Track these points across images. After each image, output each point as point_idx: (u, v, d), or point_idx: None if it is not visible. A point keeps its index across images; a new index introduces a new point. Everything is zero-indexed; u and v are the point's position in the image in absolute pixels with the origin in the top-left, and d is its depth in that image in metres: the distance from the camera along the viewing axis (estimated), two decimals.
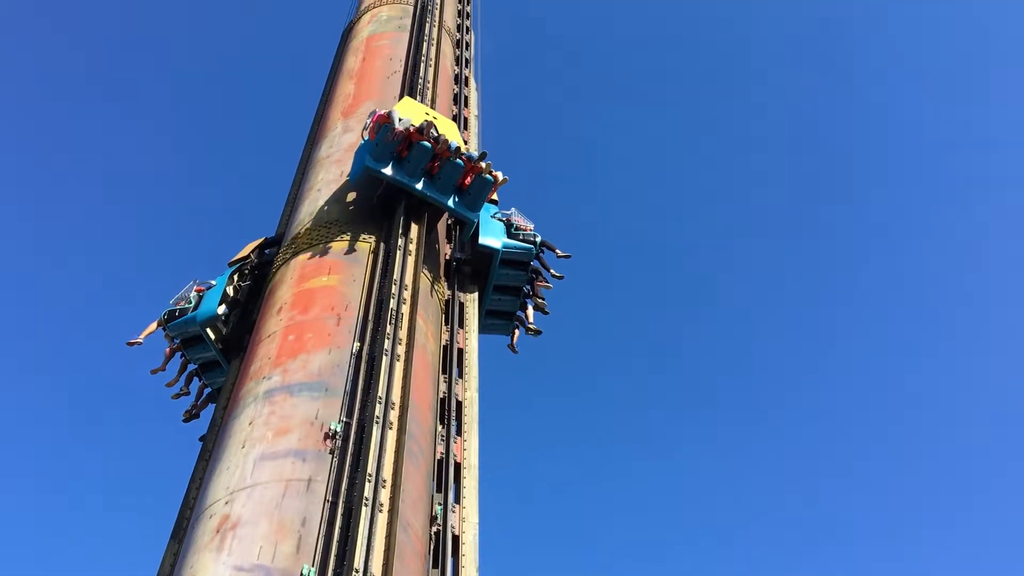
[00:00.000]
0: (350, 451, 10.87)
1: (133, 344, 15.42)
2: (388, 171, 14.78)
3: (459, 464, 13.16)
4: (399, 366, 12.10)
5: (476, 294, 16.36)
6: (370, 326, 12.78)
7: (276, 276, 14.93)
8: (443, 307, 15.51)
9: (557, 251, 16.90)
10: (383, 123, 14.88)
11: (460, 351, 15.09)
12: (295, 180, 18.57)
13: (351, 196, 15.64)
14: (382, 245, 14.39)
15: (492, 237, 16.27)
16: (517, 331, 17.20)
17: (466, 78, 21.83)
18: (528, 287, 16.87)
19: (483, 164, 15.40)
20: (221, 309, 15.08)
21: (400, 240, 14.20)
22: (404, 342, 12.50)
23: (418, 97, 17.77)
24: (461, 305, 16.01)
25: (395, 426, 11.20)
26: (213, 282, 15.63)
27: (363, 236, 14.81)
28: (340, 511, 10.10)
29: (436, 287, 15.27)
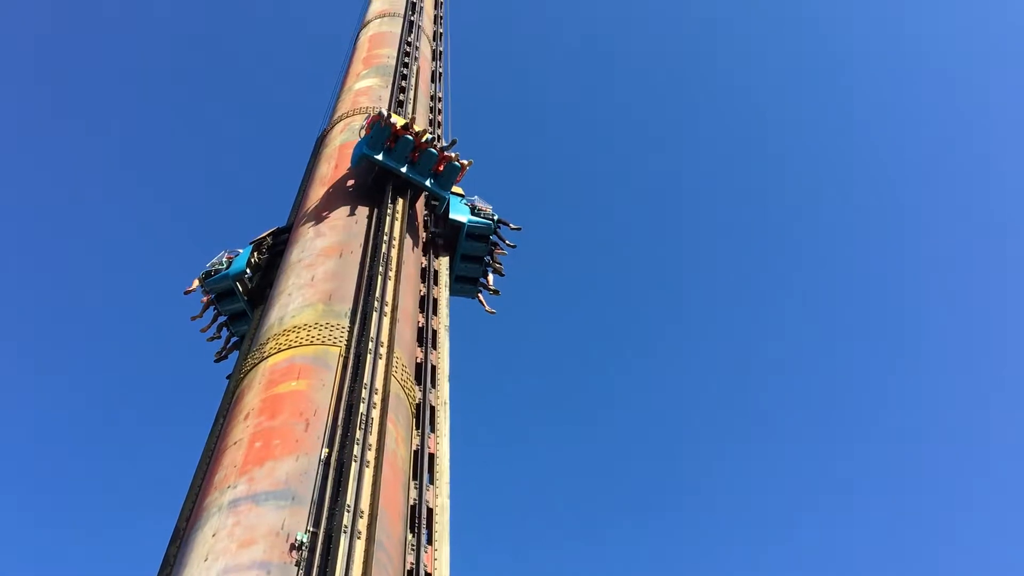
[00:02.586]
0: (316, 563, 10.53)
1: (189, 292, 19.68)
2: (379, 157, 18.73)
3: (430, 575, 12.78)
4: (368, 473, 11.86)
5: (447, 259, 20.39)
6: (339, 431, 12.58)
7: (244, 381, 14.72)
8: (413, 410, 15.35)
9: (511, 224, 21.12)
10: (376, 121, 18.99)
11: (431, 456, 14.86)
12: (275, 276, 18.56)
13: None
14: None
15: (460, 214, 20.42)
16: (482, 295, 21.24)
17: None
18: (488, 256, 21.00)
19: (452, 153, 19.60)
20: (247, 271, 19.12)
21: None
22: (374, 447, 12.29)
23: (388, 204, 18.11)
24: (432, 408, 15.88)
25: (363, 535, 10.90)
26: (240, 250, 19.56)
27: (335, 339, 14.75)
28: None
29: (407, 391, 15.15)
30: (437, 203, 20.37)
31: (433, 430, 15.35)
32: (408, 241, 18.10)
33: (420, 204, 20.21)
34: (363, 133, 19.16)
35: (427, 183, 19.34)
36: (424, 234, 20.14)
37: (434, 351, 17.45)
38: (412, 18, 29.43)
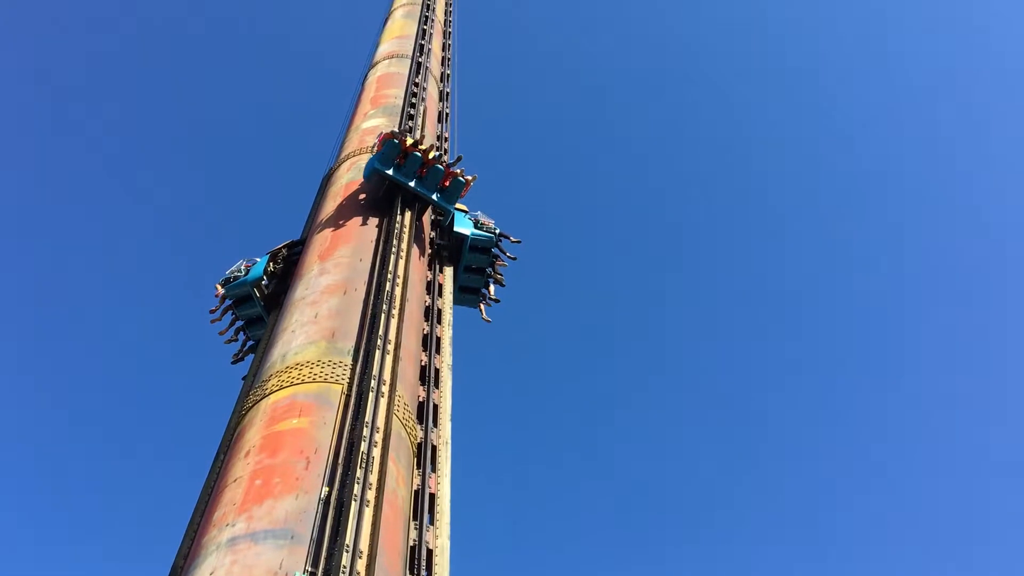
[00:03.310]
0: None
1: (219, 296, 20.78)
2: (390, 172, 19.89)
3: None
4: (368, 512, 11.77)
5: (452, 269, 21.42)
6: (340, 470, 12.52)
7: (246, 418, 14.69)
8: (415, 449, 15.29)
9: (511, 238, 22.37)
10: (388, 139, 20.30)
11: (432, 496, 14.76)
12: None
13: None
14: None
15: (464, 227, 21.64)
16: (483, 305, 22.30)
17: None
18: (490, 268, 22.17)
19: (457, 169, 20.80)
20: (264, 278, 20.29)
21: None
22: (374, 487, 12.21)
23: (394, 240, 18.17)
24: (434, 448, 15.82)
25: None
26: (257, 259, 20.79)
27: (337, 377, 14.73)
28: None
29: (409, 429, 15.09)
30: (442, 217, 21.63)
31: (434, 470, 15.27)
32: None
33: (427, 217, 21.32)
34: (375, 150, 20.49)
35: (434, 196, 20.51)
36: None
37: (436, 390, 17.42)
38: (420, 60, 29.85)
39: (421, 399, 16.84)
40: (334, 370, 14.88)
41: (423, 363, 17.78)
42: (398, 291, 16.83)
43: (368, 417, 13.35)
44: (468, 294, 22.24)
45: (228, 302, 20.80)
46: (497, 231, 22.09)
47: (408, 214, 19.42)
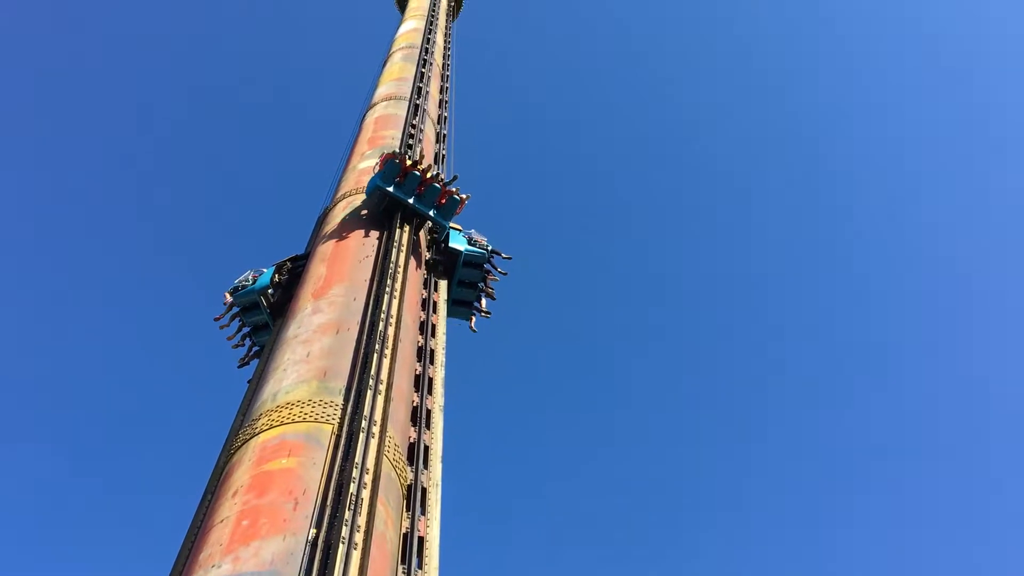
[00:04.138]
0: None
1: (227, 303, 22.12)
2: (391, 189, 21.31)
3: None
4: (356, 555, 11.62)
5: (446, 283, 22.86)
6: (328, 512, 12.38)
7: (235, 457, 14.54)
8: (404, 491, 15.14)
9: (503, 254, 23.90)
10: (389, 159, 21.75)
11: (421, 539, 14.58)
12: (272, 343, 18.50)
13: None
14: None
15: (458, 243, 23.17)
16: (474, 317, 23.78)
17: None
18: (482, 283, 23.63)
19: (453, 188, 22.35)
20: (270, 287, 21.67)
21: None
22: (363, 529, 12.07)
23: (388, 280, 18.19)
24: (424, 490, 15.67)
25: None
26: (264, 269, 22.20)
27: (328, 417, 14.63)
28: None
29: (399, 471, 14.96)
30: (439, 234, 22.96)
31: (424, 513, 15.11)
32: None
33: (423, 233, 22.46)
34: (377, 169, 21.85)
35: (431, 213, 21.91)
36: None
37: (427, 431, 17.30)
38: (417, 102, 30.15)
39: (412, 440, 16.72)
40: (325, 410, 14.79)
41: (415, 404, 17.69)
42: (391, 331, 16.81)
43: (358, 458, 13.23)
44: (461, 307, 23.69)
45: (235, 309, 22.14)
46: (489, 248, 23.58)
47: (407, 228, 20.80)
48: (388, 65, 35.18)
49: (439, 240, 23.01)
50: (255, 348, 22.29)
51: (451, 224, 22.91)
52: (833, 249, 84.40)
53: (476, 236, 23.67)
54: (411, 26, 40.82)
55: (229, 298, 22.26)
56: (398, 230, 20.39)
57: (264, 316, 21.83)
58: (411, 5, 46.42)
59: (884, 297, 79.14)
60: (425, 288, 21.66)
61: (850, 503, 67.40)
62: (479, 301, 23.83)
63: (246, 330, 22.35)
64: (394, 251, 19.45)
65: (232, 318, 22.31)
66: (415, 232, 21.24)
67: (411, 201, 21.38)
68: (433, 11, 44.32)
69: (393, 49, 37.32)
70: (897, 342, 75.60)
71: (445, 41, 42.32)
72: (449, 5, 50.04)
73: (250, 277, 22.27)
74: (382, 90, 31.50)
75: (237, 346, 22.45)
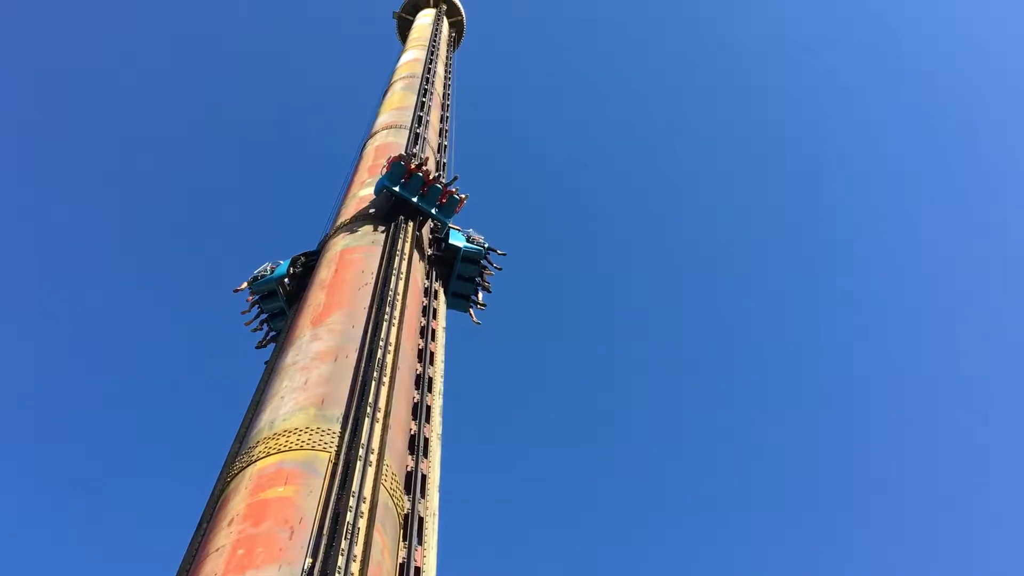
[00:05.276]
0: None
1: (238, 291, 24.21)
2: (397, 189, 23.49)
3: None
4: None
5: (445, 283, 24.78)
6: (324, 541, 12.27)
7: (231, 485, 14.44)
8: (401, 520, 15.02)
9: (498, 251, 25.99)
10: (396, 161, 23.97)
11: (417, 569, 14.45)
12: (258, 387, 18.43)
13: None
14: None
15: (457, 240, 25.22)
16: (472, 309, 25.61)
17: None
18: (479, 277, 25.64)
19: (453, 188, 24.58)
20: (286, 278, 23.47)
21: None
22: (359, 559, 11.95)
23: (387, 308, 18.17)
24: (421, 520, 15.55)
25: None
26: (280, 261, 23.94)
27: (325, 444, 14.54)
28: None
29: (396, 500, 14.85)
30: (439, 231, 25.08)
31: (420, 542, 14.97)
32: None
33: (426, 230, 24.55)
34: (383, 171, 24.08)
35: (432, 211, 24.03)
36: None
37: (425, 459, 17.21)
38: (418, 131, 30.35)
39: (409, 469, 16.62)
40: (322, 437, 14.71)
41: (412, 432, 17.61)
42: (389, 358, 16.76)
43: (355, 487, 13.13)
44: (460, 299, 25.78)
45: (255, 297, 24.15)
46: (486, 245, 25.84)
47: (411, 224, 22.72)
48: (389, 94, 35.44)
49: (440, 238, 25.13)
50: (272, 333, 24.20)
51: (451, 224, 25.00)
52: (833, 249, 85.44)
53: (474, 234, 25.79)
54: (412, 56, 41.17)
55: (245, 285, 24.26)
56: (403, 230, 21.95)
57: (281, 303, 23.76)
58: (412, 35, 46.89)
59: (884, 296, 79.95)
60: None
61: (850, 503, 67.49)
62: (476, 294, 25.77)
63: (264, 316, 24.35)
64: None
65: (252, 305, 24.34)
66: (418, 228, 23.16)
67: (415, 200, 23.52)
68: (434, 41, 44.73)
69: (394, 78, 37.60)
70: (897, 342, 76.18)
71: (446, 71, 42.65)
72: (450, 35, 50.53)
73: (268, 268, 24.25)
74: (382, 118, 31.72)
75: (256, 330, 24.42)
